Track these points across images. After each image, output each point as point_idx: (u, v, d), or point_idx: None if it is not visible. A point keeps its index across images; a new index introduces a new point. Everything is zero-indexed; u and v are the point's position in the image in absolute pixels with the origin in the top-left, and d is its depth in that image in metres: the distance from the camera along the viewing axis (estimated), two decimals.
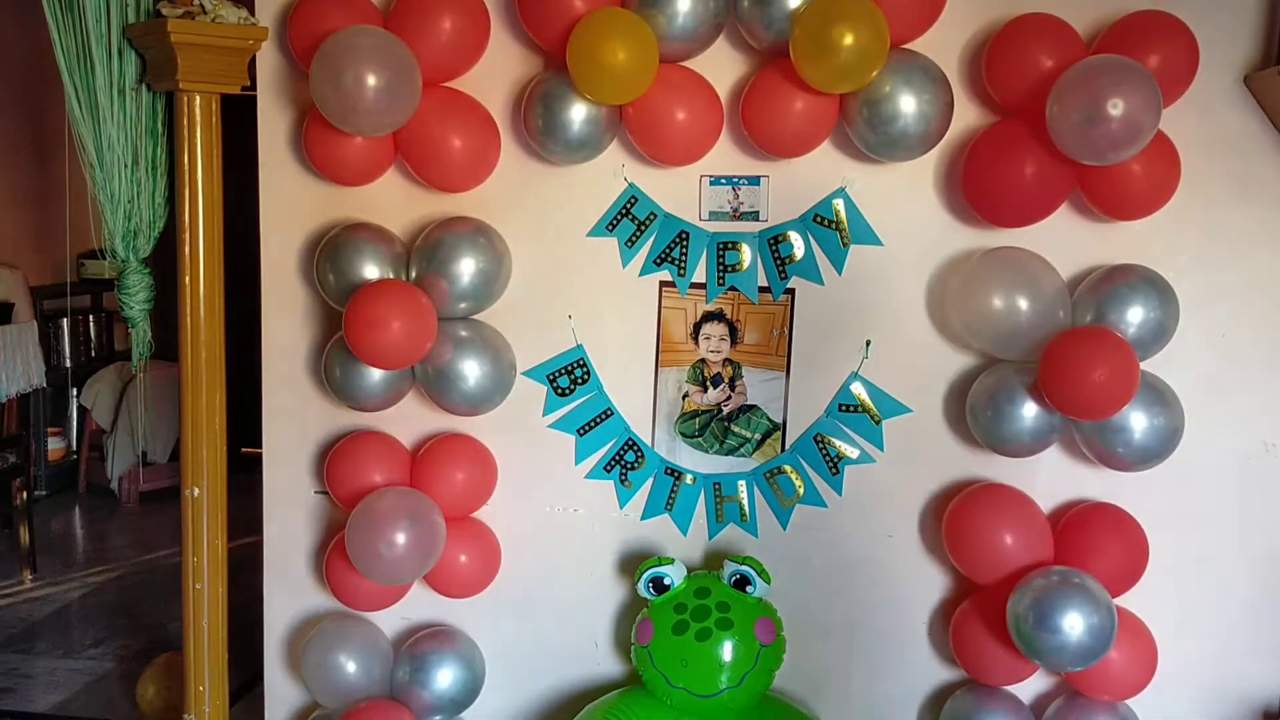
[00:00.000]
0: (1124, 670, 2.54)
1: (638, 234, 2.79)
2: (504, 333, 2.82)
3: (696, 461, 2.84)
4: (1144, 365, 2.45)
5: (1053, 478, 2.65)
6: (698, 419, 2.83)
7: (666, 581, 2.72)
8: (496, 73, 2.76)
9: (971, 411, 2.60)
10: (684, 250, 2.78)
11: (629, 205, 2.78)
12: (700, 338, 2.81)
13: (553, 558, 2.93)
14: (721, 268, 2.77)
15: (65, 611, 4.43)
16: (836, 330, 2.74)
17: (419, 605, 2.91)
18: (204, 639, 2.83)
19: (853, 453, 2.77)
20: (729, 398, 2.82)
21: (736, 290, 2.78)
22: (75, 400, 5.87)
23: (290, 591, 3.02)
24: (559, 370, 2.86)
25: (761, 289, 2.77)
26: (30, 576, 4.74)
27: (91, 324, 6.03)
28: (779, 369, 2.79)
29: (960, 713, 2.66)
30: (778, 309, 2.77)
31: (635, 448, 2.86)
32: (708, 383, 2.82)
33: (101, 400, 5.75)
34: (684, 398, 2.83)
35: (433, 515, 2.69)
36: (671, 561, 2.73)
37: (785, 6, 2.46)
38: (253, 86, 2.83)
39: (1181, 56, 2.42)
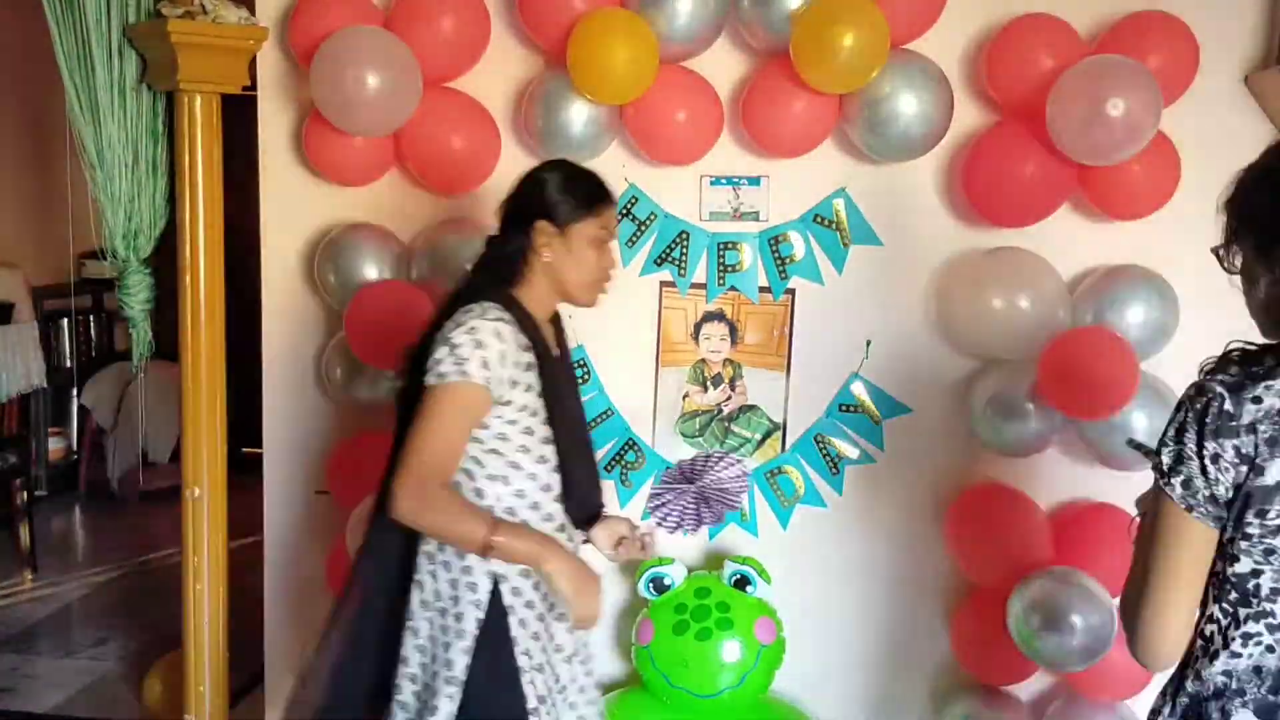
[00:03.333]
0: (1124, 670, 2.54)
1: (638, 234, 2.79)
2: None
3: None
4: (1144, 365, 2.45)
5: (1053, 478, 2.65)
6: (698, 419, 2.83)
7: (666, 581, 2.72)
8: (496, 73, 2.76)
9: (971, 411, 2.61)
10: (684, 250, 2.77)
11: (629, 205, 2.78)
12: (700, 338, 2.81)
13: None
14: (722, 268, 2.77)
15: (65, 611, 4.42)
16: (836, 330, 2.74)
17: None
18: (204, 639, 2.83)
19: (853, 453, 2.77)
20: (729, 398, 2.82)
21: (737, 290, 2.78)
22: (76, 400, 5.86)
23: (290, 591, 3.02)
24: None
25: (762, 289, 2.77)
26: (30, 576, 4.73)
27: (92, 324, 6.02)
28: (779, 369, 2.79)
29: (960, 713, 2.66)
30: (778, 309, 2.77)
31: (635, 448, 2.86)
32: (708, 383, 2.82)
33: (102, 400, 5.73)
34: (684, 398, 2.83)
35: None
36: (671, 561, 2.73)
37: (785, 7, 2.46)
38: (253, 86, 2.83)
39: (1181, 56, 2.42)
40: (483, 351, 1.83)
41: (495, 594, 1.92)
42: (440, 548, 1.95)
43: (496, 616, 1.93)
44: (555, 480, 1.96)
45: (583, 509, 2.04)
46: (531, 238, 1.94)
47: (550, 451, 1.95)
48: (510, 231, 1.98)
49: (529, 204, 1.97)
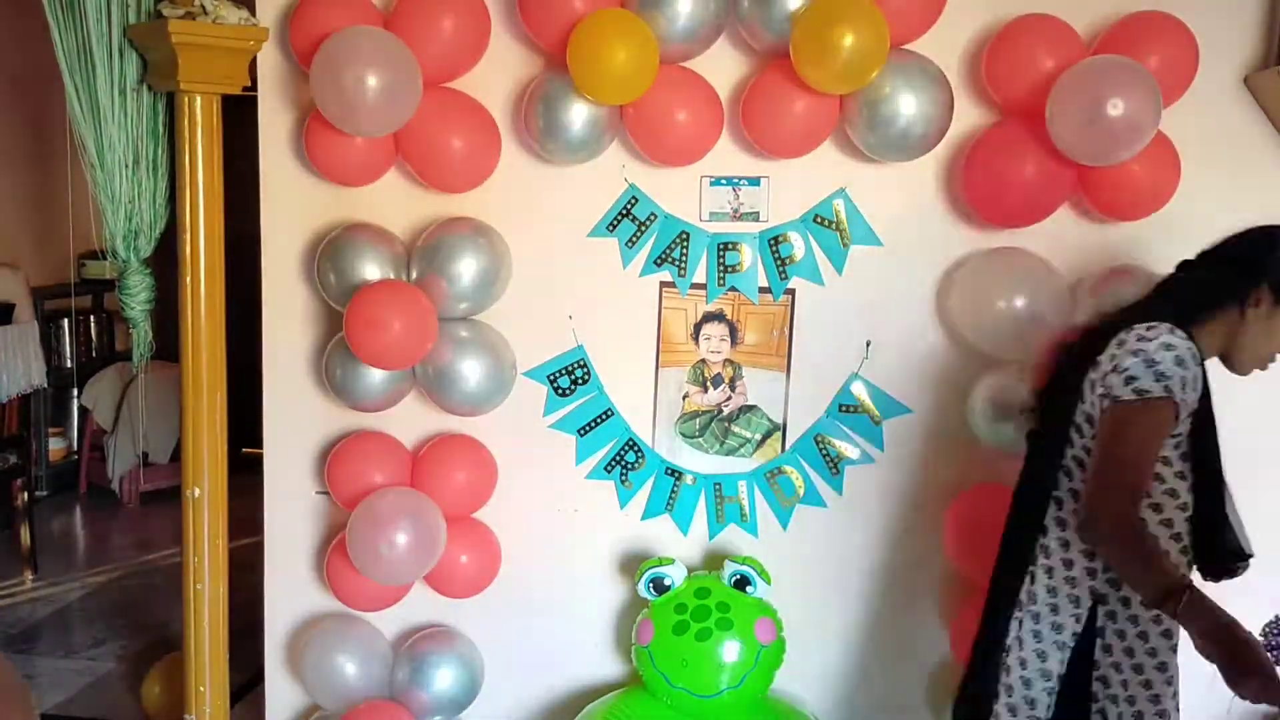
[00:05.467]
0: None
1: (638, 234, 2.79)
2: (504, 333, 2.82)
3: (697, 461, 2.84)
4: None
5: None
6: (698, 419, 2.83)
7: (666, 582, 2.72)
8: (496, 73, 2.76)
9: (971, 411, 2.60)
10: (684, 251, 2.78)
11: (629, 206, 2.78)
12: (700, 338, 2.81)
13: (553, 558, 2.93)
14: (722, 268, 2.77)
15: (65, 611, 4.42)
16: (836, 330, 2.74)
17: (419, 605, 2.91)
18: (204, 639, 2.83)
19: (853, 453, 2.77)
20: (729, 398, 2.82)
21: (737, 290, 2.78)
22: (76, 401, 5.86)
23: (290, 591, 3.02)
24: (559, 370, 2.86)
25: (762, 289, 2.77)
26: (31, 576, 4.73)
27: (92, 324, 6.02)
28: (779, 369, 2.79)
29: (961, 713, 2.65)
30: (778, 309, 2.77)
31: (635, 448, 2.86)
32: (708, 383, 2.82)
33: (102, 400, 5.74)
34: (684, 398, 2.83)
35: (433, 515, 2.69)
36: (671, 562, 2.73)
37: (785, 7, 2.46)
38: (253, 87, 2.83)
39: (1181, 56, 2.42)
40: (1182, 370, 1.83)
41: (1093, 612, 1.95)
42: (1049, 554, 1.98)
43: (1087, 635, 1.96)
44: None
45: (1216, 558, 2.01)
46: (1249, 294, 1.92)
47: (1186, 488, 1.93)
48: (1222, 273, 1.96)
49: (1263, 263, 1.93)
